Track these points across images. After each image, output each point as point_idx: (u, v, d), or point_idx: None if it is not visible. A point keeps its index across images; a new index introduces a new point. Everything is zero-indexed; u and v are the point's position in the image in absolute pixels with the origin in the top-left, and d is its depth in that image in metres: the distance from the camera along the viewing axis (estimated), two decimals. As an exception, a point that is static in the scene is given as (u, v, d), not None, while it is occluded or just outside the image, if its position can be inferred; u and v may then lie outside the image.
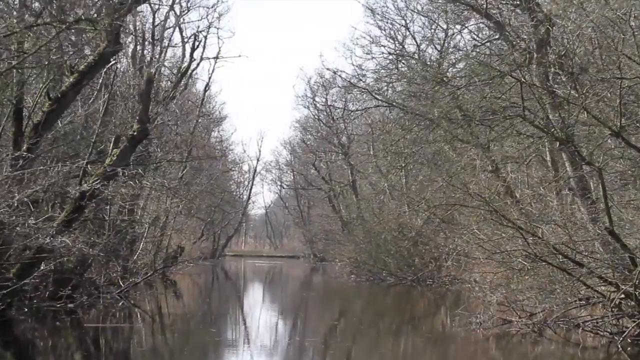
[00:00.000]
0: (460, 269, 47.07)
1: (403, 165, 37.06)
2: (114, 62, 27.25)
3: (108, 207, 25.04)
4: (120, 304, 26.64)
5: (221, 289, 47.10)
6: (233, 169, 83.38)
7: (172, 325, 24.67)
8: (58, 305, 22.04)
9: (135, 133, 22.00)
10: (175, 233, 49.26)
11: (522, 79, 20.88)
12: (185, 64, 37.94)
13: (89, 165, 21.70)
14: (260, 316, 30.09)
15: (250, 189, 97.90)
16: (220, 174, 66.49)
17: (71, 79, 21.05)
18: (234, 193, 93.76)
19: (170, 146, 35.07)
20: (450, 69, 32.75)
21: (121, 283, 27.91)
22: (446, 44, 37.06)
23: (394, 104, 36.00)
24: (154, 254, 32.45)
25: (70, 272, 22.84)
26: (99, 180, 20.45)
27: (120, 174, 21.01)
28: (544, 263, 20.77)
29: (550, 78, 23.62)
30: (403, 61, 39.97)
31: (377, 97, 35.88)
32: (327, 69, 34.91)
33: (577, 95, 20.26)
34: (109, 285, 27.82)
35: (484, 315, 22.58)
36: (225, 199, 79.65)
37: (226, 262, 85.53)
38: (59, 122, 22.55)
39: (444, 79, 28.05)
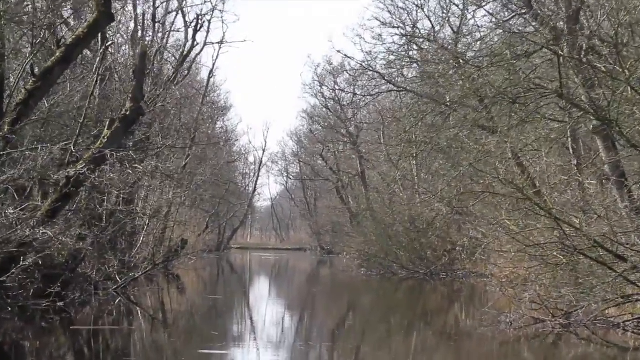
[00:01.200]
0: (477, 262, 45.32)
1: (416, 153, 34.99)
2: (110, 42, 25.33)
3: (101, 196, 22.94)
4: (117, 301, 24.63)
5: (226, 283, 45.07)
6: (238, 159, 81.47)
7: (172, 325, 22.65)
8: (45, 304, 19.91)
9: (127, 112, 19.92)
10: (178, 225, 47.36)
11: (560, 52, 18.85)
12: (188, 47, 35.83)
13: (77, 149, 19.50)
14: (267, 313, 28.10)
15: (256, 181, 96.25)
16: (224, 164, 64.56)
17: (58, 54, 19.01)
18: (240, 184, 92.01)
19: (172, 132, 33.06)
20: (470, 48, 30.64)
21: (118, 278, 25.90)
22: (463, 25, 35.00)
23: (408, 88, 33.94)
24: (154, 247, 30.27)
25: (60, 267, 20.81)
26: (86, 165, 18.37)
27: (109, 156, 18.83)
28: (582, 257, 18.78)
29: (582, 54, 21.61)
30: (415, 45, 37.93)
31: (389, 81, 33.75)
32: (338, 51, 32.81)
33: (620, 70, 18.23)
34: (106, 281, 25.85)
35: (514, 313, 20.49)
36: (231, 191, 77.92)
37: (232, 255, 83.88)
38: (45, 102, 20.52)
39: (463, 58, 25.90)
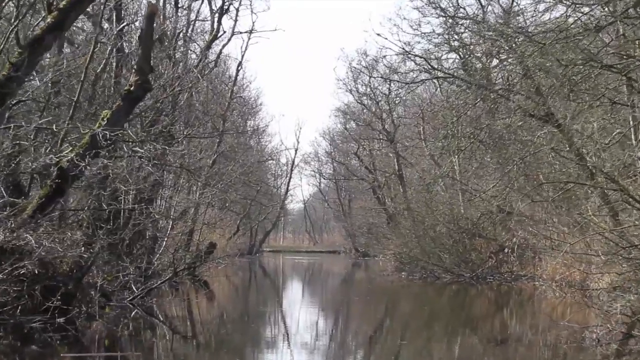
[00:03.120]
0: (526, 265, 42.22)
1: (461, 148, 31.89)
2: (125, 24, 22.49)
3: (110, 193, 19.97)
4: (133, 313, 21.71)
5: (258, 290, 41.94)
6: (269, 159, 78.73)
7: (191, 340, 19.73)
8: (38, 321, 16.84)
9: (131, 87, 16.94)
10: (207, 228, 44.57)
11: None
12: (214, 33, 32.91)
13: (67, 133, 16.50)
14: (301, 324, 25.03)
15: (289, 182, 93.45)
16: (255, 164, 61.81)
17: (49, 19, 16.10)
18: (272, 185, 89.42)
19: (197, 124, 30.17)
20: (523, 29, 27.45)
21: (135, 288, 22.96)
22: (515, 3, 31.88)
23: (455, 74, 30.88)
24: (175, 252, 27.22)
25: (64, 276, 17.93)
26: (79, 152, 15.42)
27: (101, 138, 15.72)
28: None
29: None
30: (456, 35, 34.81)
31: (433, 66, 30.62)
32: (378, 34, 29.63)
33: None
34: (122, 290, 22.98)
35: (601, 328, 17.20)
36: (262, 192, 75.31)
37: (264, 258, 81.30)
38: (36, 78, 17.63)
39: (526, 33, 22.76)
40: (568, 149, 28.72)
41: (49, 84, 18.56)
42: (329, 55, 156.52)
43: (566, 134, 26.58)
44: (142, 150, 17.16)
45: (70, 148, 15.64)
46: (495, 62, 36.15)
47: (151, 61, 17.72)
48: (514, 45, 28.30)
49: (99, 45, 20.56)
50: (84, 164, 15.43)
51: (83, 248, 17.43)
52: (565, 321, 18.93)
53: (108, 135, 15.57)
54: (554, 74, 24.11)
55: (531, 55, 21.64)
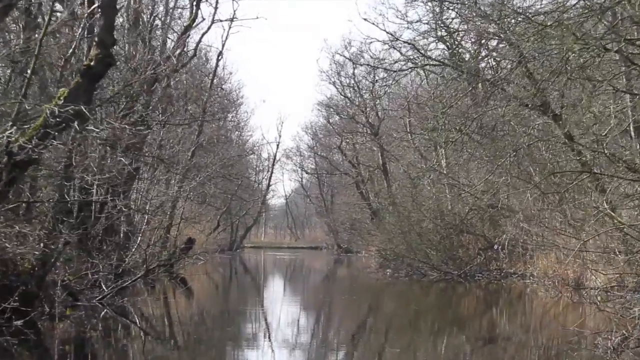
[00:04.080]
0: (516, 262, 40.90)
1: (450, 140, 30.37)
2: (96, 5, 20.80)
3: (70, 183, 18.19)
4: (103, 313, 20.08)
5: (239, 288, 40.24)
6: (251, 152, 77.14)
7: (164, 342, 18.15)
8: None
9: (92, 62, 15.23)
10: (185, 223, 42.95)
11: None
12: (193, 20, 31.18)
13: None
14: (284, 325, 23.50)
15: (270, 176, 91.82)
16: (236, 159, 60.16)
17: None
18: (253, 180, 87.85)
19: (177, 108, 28.39)
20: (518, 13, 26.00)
21: (104, 286, 21.31)
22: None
23: (445, 62, 29.40)
24: (145, 248, 25.47)
25: (25, 275, 16.31)
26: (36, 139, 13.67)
27: (49, 115, 13.95)
28: None
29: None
30: (447, 16, 33.21)
31: (423, 54, 29.12)
32: (365, 19, 27.97)
33: None
34: (92, 288, 21.35)
35: (615, 333, 15.58)
36: (243, 187, 73.74)
37: (245, 255, 79.83)
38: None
39: (527, 14, 21.28)
40: (565, 140, 27.40)
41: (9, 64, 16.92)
42: (312, 48, 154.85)
43: (562, 124, 25.20)
44: (97, 130, 15.41)
45: (21, 130, 13.83)
46: (484, 53, 34.85)
47: (114, 33, 16.02)
48: (508, 31, 26.91)
49: (58, 21, 18.82)
50: (30, 146, 13.66)
51: (43, 244, 15.76)
52: (575, 326, 17.29)
53: (57, 112, 13.81)
54: (553, 59, 22.72)
55: (532, 36, 20.11)
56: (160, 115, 26.76)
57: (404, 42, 27.69)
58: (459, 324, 24.68)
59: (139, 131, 20.96)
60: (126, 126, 17.34)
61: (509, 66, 28.55)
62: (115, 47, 20.40)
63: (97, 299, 20.95)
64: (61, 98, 14.63)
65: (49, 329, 17.31)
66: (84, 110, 13.89)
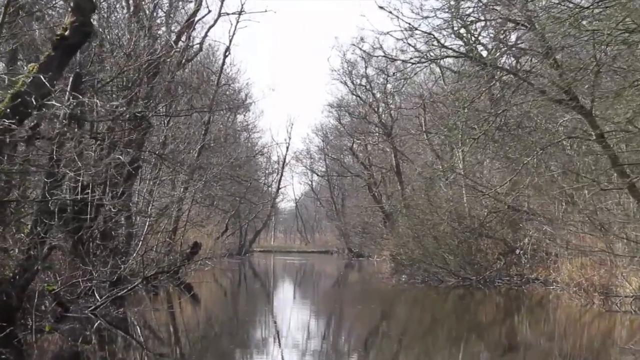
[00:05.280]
0: (537, 268, 38.99)
1: (475, 137, 28.43)
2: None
3: (48, 180, 16.13)
4: (96, 324, 18.14)
5: (247, 295, 38.09)
6: (260, 153, 75.30)
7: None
8: None
9: (66, 31, 13.15)
10: (191, 227, 41.12)
11: None
12: (197, 9, 29.35)
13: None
14: (296, 336, 21.52)
15: (280, 179, 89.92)
16: (245, 159, 58.37)
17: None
18: (262, 182, 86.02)
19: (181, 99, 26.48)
20: None
21: (97, 296, 19.37)
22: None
23: (469, 54, 27.44)
24: (142, 254, 23.44)
25: (6, 283, 14.41)
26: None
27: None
28: None
29: None
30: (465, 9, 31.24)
31: (443, 44, 27.14)
32: (380, 7, 25.99)
33: None
34: (87, 297, 19.44)
35: None
36: (253, 189, 71.93)
37: (254, 259, 78.01)
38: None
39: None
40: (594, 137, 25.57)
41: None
42: (322, 48, 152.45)
43: (592, 121, 23.31)
44: (63, 106, 13.29)
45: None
46: (503, 48, 32.93)
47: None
48: (534, 17, 25.04)
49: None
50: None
51: (24, 250, 13.88)
52: (631, 344, 15.28)
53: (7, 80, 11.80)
54: (588, 47, 20.86)
55: (568, 19, 18.17)
56: (163, 109, 24.83)
57: (423, 32, 25.71)
58: (478, 331, 22.98)
59: (137, 125, 19.04)
60: (97, 102, 15.29)
61: (532, 60, 26.68)
62: (112, 35, 18.57)
63: (90, 309, 19.00)
64: (30, 75, 12.60)
65: (33, 344, 15.36)
66: (43, 80, 11.84)
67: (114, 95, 19.93)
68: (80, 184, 17.09)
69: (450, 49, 26.80)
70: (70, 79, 15.40)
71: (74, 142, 13.60)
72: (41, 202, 14.45)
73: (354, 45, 56.98)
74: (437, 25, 29.99)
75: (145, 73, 21.06)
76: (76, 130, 14.34)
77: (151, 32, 21.86)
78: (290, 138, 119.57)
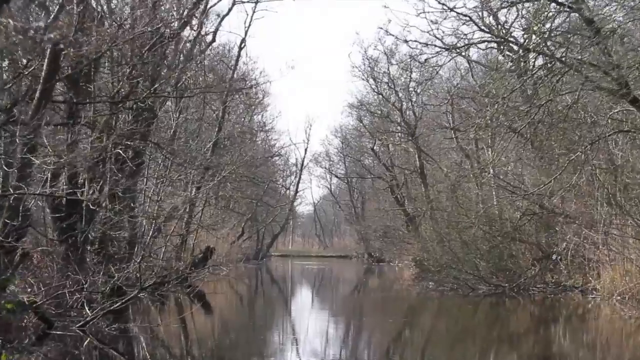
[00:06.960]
0: (579, 275, 36.23)
1: (518, 129, 25.82)
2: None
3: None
4: (85, 343, 15.50)
5: (264, 304, 35.21)
6: (277, 154, 72.83)
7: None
8: None
9: None
10: (204, 230, 38.63)
11: None
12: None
13: None
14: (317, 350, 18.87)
15: (298, 181, 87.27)
16: (262, 159, 55.88)
17: None
18: (280, 184, 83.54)
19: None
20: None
21: (88, 309, 16.73)
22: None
23: (507, 38, 24.81)
24: (139, 261, 20.67)
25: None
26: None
27: None
28: None
29: None
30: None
31: (480, 27, 24.44)
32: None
33: None
34: (79, 310, 16.88)
35: None
36: (270, 192, 69.44)
37: (272, 264, 75.61)
38: None
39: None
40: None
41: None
42: (342, 48, 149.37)
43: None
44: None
45: None
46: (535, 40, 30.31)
47: None
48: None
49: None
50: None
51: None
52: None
53: None
54: None
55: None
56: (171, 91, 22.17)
57: (459, 13, 23.02)
58: (511, 343, 20.87)
59: (139, 114, 16.51)
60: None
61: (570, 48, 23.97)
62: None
63: (79, 325, 16.35)
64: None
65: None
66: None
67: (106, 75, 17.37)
68: (62, 176, 14.55)
69: (488, 32, 24.05)
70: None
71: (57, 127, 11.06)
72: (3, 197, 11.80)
73: (379, 37, 54.12)
74: (465, 15, 27.42)
75: (143, 48, 18.46)
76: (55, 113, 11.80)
77: (154, 6, 19.21)
78: (308, 139, 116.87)
